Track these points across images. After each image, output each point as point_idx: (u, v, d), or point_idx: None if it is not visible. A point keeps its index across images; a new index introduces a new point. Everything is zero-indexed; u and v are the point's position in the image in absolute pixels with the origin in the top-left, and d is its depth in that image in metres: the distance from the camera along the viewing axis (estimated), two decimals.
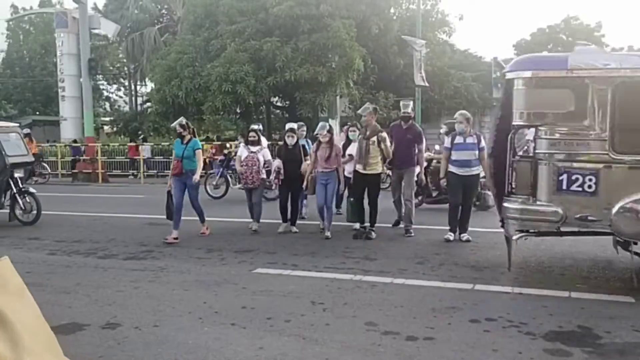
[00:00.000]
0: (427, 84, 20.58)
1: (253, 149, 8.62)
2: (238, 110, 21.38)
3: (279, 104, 23.87)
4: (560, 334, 4.14)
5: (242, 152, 8.73)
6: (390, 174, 9.31)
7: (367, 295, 5.21)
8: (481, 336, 4.14)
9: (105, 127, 34.14)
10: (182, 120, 8.19)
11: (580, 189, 5.05)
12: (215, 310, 4.84)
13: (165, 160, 20.34)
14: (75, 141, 22.75)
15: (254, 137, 8.73)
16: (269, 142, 12.51)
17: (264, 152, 8.72)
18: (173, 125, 8.55)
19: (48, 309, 4.86)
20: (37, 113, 36.94)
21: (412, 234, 7.93)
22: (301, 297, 5.20)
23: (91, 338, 4.25)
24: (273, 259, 6.54)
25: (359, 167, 7.89)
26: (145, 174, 20.23)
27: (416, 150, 8.16)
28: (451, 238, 7.56)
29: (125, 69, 37.38)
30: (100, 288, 5.64)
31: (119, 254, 7.21)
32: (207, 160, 16.43)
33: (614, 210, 4.92)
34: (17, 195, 9.69)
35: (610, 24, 77.27)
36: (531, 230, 5.40)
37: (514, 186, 5.47)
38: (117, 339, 4.20)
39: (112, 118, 34.79)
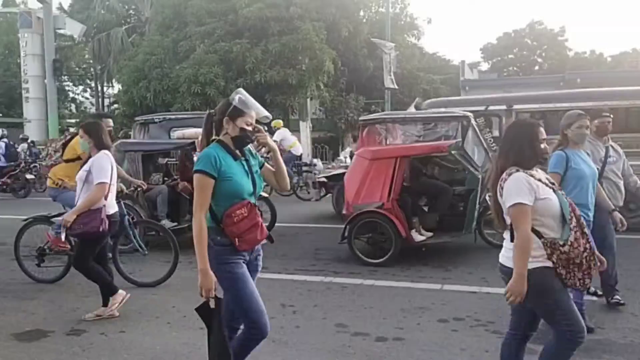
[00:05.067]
0: (396, 87, 20.77)
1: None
2: None
3: None
4: None
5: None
6: None
7: (337, 297, 5.22)
8: (449, 335, 4.20)
9: (71, 129, 33.42)
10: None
11: None
12: (183, 314, 4.78)
13: None
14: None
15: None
16: None
17: None
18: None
19: (11, 316, 4.77)
20: (0, 115, 35.96)
21: None
22: (271, 299, 5.16)
23: (55, 345, 4.15)
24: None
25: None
26: None
27: None
28: None
29: (92, 70, 36.66)
30: (64, 294, 5.52)
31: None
32: None
33: None
34: None
35: (573, 29, 79.46)
36: None
37: None
38: (82, 346, 4.12)
39: (78, 120, 34.08)
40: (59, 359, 3.92)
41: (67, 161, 5.76)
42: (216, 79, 17.62)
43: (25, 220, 6.07)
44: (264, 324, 2.92)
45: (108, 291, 4.74)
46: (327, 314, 4.73)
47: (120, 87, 21.91)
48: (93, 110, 36.95)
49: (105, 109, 34.39)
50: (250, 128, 2.88)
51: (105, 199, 4.56)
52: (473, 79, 35.08)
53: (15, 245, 6.00)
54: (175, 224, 7.27)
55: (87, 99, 41.07)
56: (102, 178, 4.51)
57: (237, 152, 2.90)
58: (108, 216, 4.58)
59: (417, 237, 6.55)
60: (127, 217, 5.69)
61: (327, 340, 4.14)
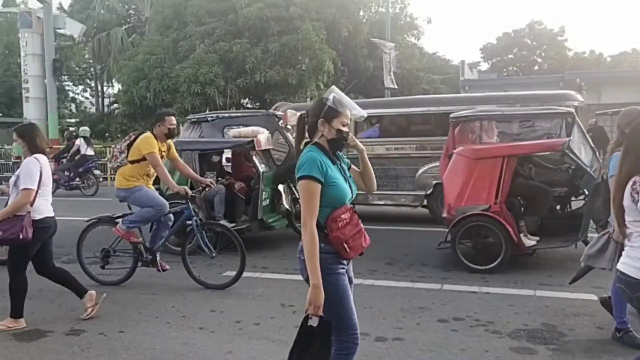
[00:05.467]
0: (396, 86, 20.77)
1: None
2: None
3: (249, 105, 23.76)
4: (526, 332, 4.22)
5: None
6: None
7: None
8: (449, 335, 4.19)
9: (71, 129, 33.43)
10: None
11: None
12: (183, 314, 4.78)
13: None
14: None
15: None
16: None
17: None
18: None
19: None
20: (0, 115, 35.94)
21: None
22: (271, 299, 5.18)
23: (55, 345, 4.15)
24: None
25: None
26: (113, 176, 19.82)
27: None
28: None
29: (92, 69, 36.65)
30: (64, 294, 5.47)
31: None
32: None
33: None
34: None
35: (573, 29, 79.45)
36: None
37: None
38: (81, 346, 4.11)
39: (78, 120, 34.07)
40: (58, 358, 3.92)
41: (132, 162, 5.61)
42: (216, 78, 17.62)
43: (89, 221, 5.90)
44: (358, 336, 2.78)
45: (20, 304, 4.57)
46: None
47: (120, 87, 21.91)
48: (93, 110, 36.95)
49: (105, 109, 34.39)
50: (346, 129, 2.70)
51: (32, 204, 4.34)
52: (473, 79, 35.12)
53: (77, 247, 5.86)
54: (234, 224, 7.09)
55: (87, 98, 41.05)
56: (28, 184, 4.31)
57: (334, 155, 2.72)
58: (36, 221, 4.38)
59: (528, 242, 6.09)
60: (195, 218, 5.59)
61: None
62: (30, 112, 25.50)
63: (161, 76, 18.62)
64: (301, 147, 2.77)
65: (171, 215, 5.74)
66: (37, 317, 4.75)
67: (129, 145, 5.67)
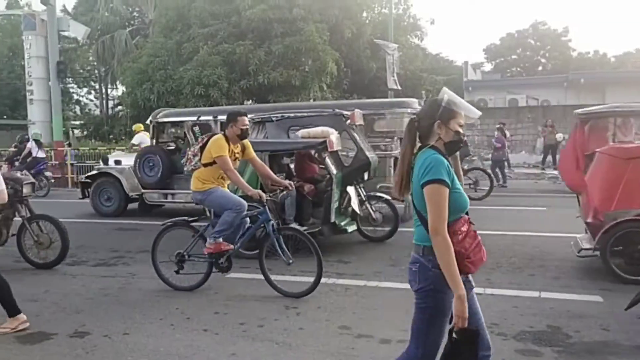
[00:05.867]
0: (399, 88, 20.74)
1: None
2: None
3: None
4: (531, 334, 4.20)
5: None
6: None
7: (341, 299, 5.20)
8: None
9: (76, 131, 33.50)
10: None
11: None
12: (187, 316, 4.78)
13: None
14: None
15: None
16: None
17: None
18: None
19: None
20: (5, 117, 36.06)
21: None
22: (275, 301, 5.17)
23: (59, 347, 4.15)
24: (246, 264, 6.47)
25: None
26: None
27: None
28: None
29: (96, 72, 36.80)
30: (68, 295, 5.52)
31: (89, 260, 7.07)
32: None
33: None
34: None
35: (576, 29, 79.27)
36: None
37: None
38: (85, 348, 4.11)
39: (82, 122, 34.17)
40: None
41: (205, 165, 5.44)
42: (219, 80, 17.65)
43: (164, 224, 5.71)
44: (490, 346, 2.68)
45: (10, 302, 4.51)
46: (330, 315, 4.72)
47: (124, 89, 21.97)
48: (97, 112, 37.06)
49: (110, 111, 34.48)
50: (462, 130, 2.57)
51: None
52: (476, 80, 35.09)
53: (152, 251, 5.68)
54: (304, 228, 6.66)
55: (91, 100, 41.23)
56: None
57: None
58: None
59: None
60: (271, 222, 5.34)
61: (331, 342, 4.13)
62: (35, 114, 25.65)
63: (165, 78, 18.67)
64: (414, 151, 2.61)
65: (247, 219, 5.53)
66: (41, 319, 4.76)
67: (202, 148, 5.49)
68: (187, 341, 4.20)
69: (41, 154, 15.07)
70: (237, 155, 5.54)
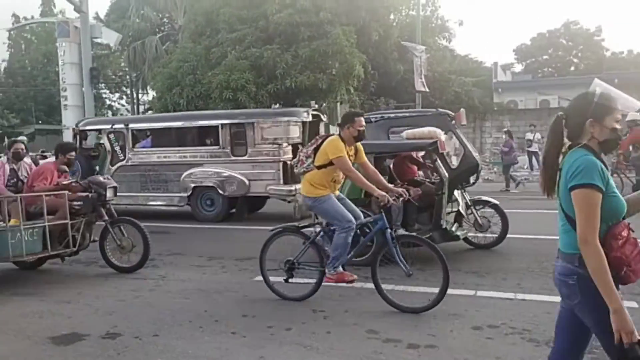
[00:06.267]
0: (427, 90, 20.62)
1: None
2: None
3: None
4: None
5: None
6: None
7: (368, 303, 5.18)
8: (484, 343, 4.11)
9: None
10: None
11: None
12: (215, 319, 4.82)
13: None
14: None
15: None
16: None
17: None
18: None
19: (48, 319, 4.89)
20: (40, 122, 37.06)
21: None
22: (302, 304, 5.18)
23: (91, 348, 4.23)
24: (274, 267, 6.50)
25: None
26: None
27: None
28: None
29: (127, 77, 37.50)
30: (100, 297, 5.62)
31: None
32: None
33: None
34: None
35: (610, 28, 77.52)
36: None
37: None
38: (117, 349, 4.18)
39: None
40: None
41: (319, 167, 5.19)
42: (247, 84, 17.76)
43: (273, 230, 5.52)
44: None
45: None
46: (358, 319, 4.70)
47: (155, 94, 22.29)
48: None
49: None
50: (620, 127, 2.35)
51: None
52: (506, 81, 34.60)
53: (260, 258, 5.49)
54: (414, 234, 6.31)
55: (123, 105, 42.08)
56: None
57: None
58: None
59: None
60: (389, 230, 5.00)
61: (358, 346, 4.11)
62: (69, 119, 26.16)
63: (194, 83, 18.88)
64: (562, 151, 2.43)
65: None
66: (74, 321, 4.86)
67: (316, 149, 5.25)
68: (215, 344, 4.24)
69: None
70: (351, 158, 5.24)
